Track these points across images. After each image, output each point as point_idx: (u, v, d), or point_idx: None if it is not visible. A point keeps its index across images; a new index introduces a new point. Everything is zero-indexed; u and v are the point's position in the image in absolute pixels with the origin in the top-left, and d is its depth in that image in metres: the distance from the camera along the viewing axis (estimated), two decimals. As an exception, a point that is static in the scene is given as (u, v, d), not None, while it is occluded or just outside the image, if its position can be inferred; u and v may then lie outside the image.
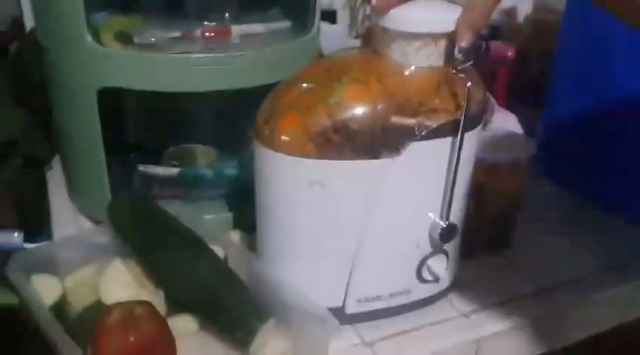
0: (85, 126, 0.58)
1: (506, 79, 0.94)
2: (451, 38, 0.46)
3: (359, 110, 0.45)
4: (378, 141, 0.46)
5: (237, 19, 0.64)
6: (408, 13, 0.45)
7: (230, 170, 0.67)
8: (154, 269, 0.52)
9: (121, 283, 0.51)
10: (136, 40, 0.56)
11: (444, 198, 0.50)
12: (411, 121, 0.46)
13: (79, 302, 0.51)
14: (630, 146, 0.71)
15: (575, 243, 0.68)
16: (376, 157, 0.46)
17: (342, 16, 0.97)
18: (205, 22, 0.60)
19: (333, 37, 0.92)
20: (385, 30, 0.47)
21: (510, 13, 1.05)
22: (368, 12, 0.99)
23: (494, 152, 0.58)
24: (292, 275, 0.51)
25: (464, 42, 0.44)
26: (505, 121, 0.77)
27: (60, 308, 0.50)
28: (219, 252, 0.55)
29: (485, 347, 0.55)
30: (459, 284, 0.58)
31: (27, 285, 0.48)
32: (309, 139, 0.45)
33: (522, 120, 0.92)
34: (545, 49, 0.97)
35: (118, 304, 0.44)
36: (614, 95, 0.71)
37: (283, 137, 0.46)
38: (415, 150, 0.46)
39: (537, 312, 0.58)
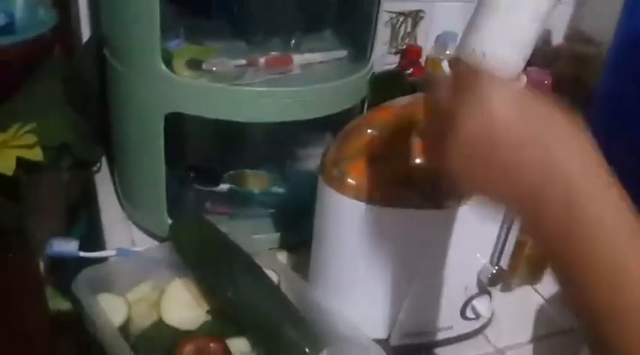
0: (149, 145, 0.60)
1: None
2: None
3: (426, 162, 0.47)
4: (442, 192, 0.48)
5: (297, 46, 0.66)
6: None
7: (277, 189, 0.70)
8: (214, 291, 0.54)
9: (182, 303, 0.54)
10: (205, 66, 0.57)
11: (496, 245, 0.52)
12: (474, 174, 0.48)
13: (140, 319, 0.53)
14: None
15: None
16: (439, 207, 0.48)
17: (382, 32, 0.98)
18: (269, 52, 0.61)
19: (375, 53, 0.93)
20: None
21: (545, 39, 1.07)
22: (409, 29, 1.00)
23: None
24: (344, 307, 0.53)
25: None
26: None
27: (124, 325, 0.53)
28: (273, 276, 0.57)
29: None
30: (494, 319, 0.61)
31: (95, 305, 0.50)
32: (377, 187, 0.47)
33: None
34: (579, 79, 0.99)
35: (193, 338, 0.47)
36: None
37: (351, 181, 0.48)
38: (475, 201, 0.49)
39: (569, 351, 0.60)
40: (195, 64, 0.57)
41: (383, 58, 0.97)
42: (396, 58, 1.01)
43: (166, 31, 0.56)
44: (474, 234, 0.51)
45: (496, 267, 0.52)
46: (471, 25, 0.40)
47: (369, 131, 0.51)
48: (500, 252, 0.52)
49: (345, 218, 0.50)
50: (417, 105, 0.52)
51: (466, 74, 0.38)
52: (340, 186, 0.49)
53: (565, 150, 0.33)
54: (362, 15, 0.66)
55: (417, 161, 0.48)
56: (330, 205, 0.51)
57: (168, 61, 0.56)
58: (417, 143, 0.48)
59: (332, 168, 0.50)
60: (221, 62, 0.58)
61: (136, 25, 0.55)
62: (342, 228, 0.51)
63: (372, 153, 0.48)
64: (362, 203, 0.48)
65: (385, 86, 0.86)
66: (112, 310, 0.51)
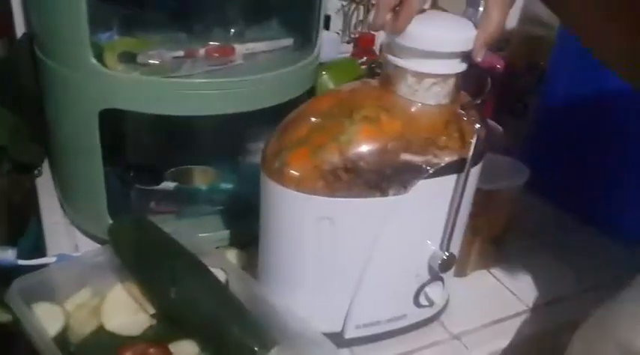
0: (85, 144, 0.57)
1: (495, 90, 0.95)
2: (457, 78, 0.47)
3: (370, 149, 0.46)
4: (387, 179, 0.46)
5: (240, 35, 0.63)
6: (420, 50, 0.46)
7: (225, 185, 0.67)
8: (156, 294, 0.52)
9: (124, 308, 0.52)
10: (139, 59, 0.55)
11: (445, 231, 0.51)
12: (420, 159, 0.47)
13: (80, 326, 0.51)
14: (620, 163, 0.73)
15: (562, 260, 0.71)
16: (385, 195, 0.47)
17: (335, 21, 0.97)
18: (210, 42, 0.59)
19: (327, 43, 0.91)
20: (396, 67, 0.47)
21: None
22: (361, 17, 0.99)
23: (490, 180, 0.60)
24: (294, 302, 0.51)
25: (479, 57, 0.45)
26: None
27: (62, 334, 0.50)
28: (220, 275, 0.55)
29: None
30: (449, 305, 0.60)
31: (29, 315, 0.47)
32: (319, 176, 0.46)
33: (510, 131, 0.94)
34: (533, 62, 0.99)
35: (131, 344, 0.44)
36: (606, 111, 0.72)
37: (293, 172, 0.47)
38: (422, 186, 0.47)
39: (527, 332, 0.60)
40: (128, 57, 0.54)
41: (336, 46, 0.95)
42: (350, 47, 0.99)
43: (97, 24, 0.53)
44: (423, 221, 0.50)
45: (446, 253, 0.51)
46: None
47: (312, 119, 0.49)
48: (450, 238, 0.51)
49: (289, 211, 0.48)
50: (360, 91, 0.51)
51: None
52: (281, 177, 0.47)
53: None
54: (306, 1, 0.64)
55: (364, 148, 0.46)
56: (273, 198, 0.49)
57: (99, 56, 0.54)
58: (361, 128, 0.46)
59: (273, 160, 0.48)
60: (157, 54, 0.56)
61: (62, 18, 0.52)
62: (286, 221, 0.49)
63: (313, 142, 0.47)
64: (304, 194, 0.46)
65: (337, 74, 0.84)
66: (48, 319, 0.49)
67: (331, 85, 0.81)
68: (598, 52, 0.53)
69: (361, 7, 0.98)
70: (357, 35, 0.99)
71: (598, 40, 0.52)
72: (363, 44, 0.97)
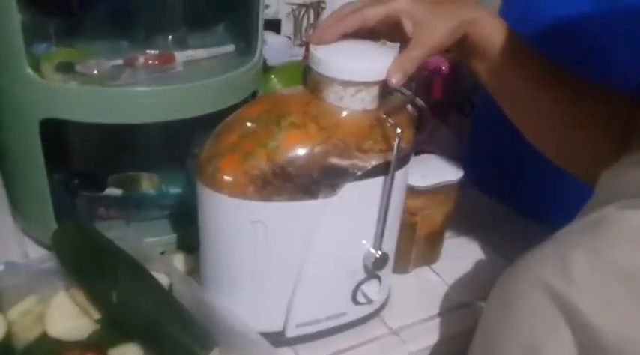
0: (28, 153, 0.58)
1: (441, 91, 0.98)
2: (383, 84, 0.49)
3: (297, 154, 0.48)
4: (315, 182, 0.48)
5: (181, 42, 0.65)
6: (343, 62, 0.48)
7: (173, 190, 0.69)
8: (99, 299, 0.53)
9: (67, 314, 0.53)
10: (78, 69, 0.56)
11: (376, 231, 0.53)
12: (346, 163, 0.49)
13: (24, 333, 0.52)
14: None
15: (502, 254, 0.73)
16: (314, 198, 0.49)
17: (286, 25, 0.98)
18: (148, 51, 0.60)
19: (278, 47, 0.93)
20: (322, 76, 0.49)
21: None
22: (312, 20, 1.01)
23: (425, 179, 0.62)
24: (235, 304, 0.53)
25: (394, 82, 0.48)
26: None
27: (5, 341, 0.51)
28: (164, 279, 0.56)
29: (415, 361, 0.60)
30: (390, 302, 0.62)
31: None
32: (250, 181, 0.48)
33: (456, 129, 0.97)
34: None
35: (70, 349, 0.46)
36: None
37: (225, 178, 0.48)
38: (350, 189, 0.50)
39: (464, 325, 0.63)
40: (66, 68, 0.55)
41: (287, 49, 0.97)
42: (302, 50, 1.01)
43: (33, 35, 0.54)
44: (354, 222, 0.52)
45: (379, 252, 0.53)
46: None
47: (245, 125, 0.51)
48: (381, 238, 0.53)
49: (223, 216, 0.50)
50: (289, 97, 0.53)
51: None
52: (214, 183, 0.48)
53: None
54: (245, 6, 0.66)
55: (291, 153, 0.48)
56: (208, 203, 0.50)
57: (37, 66, 0.54)
58: (290, 134, 0.48)
59: (206, 165, 0.49)
60: (95, 64, 0.57)
61: (-3, 30, 0.53)
62: (222, 226, 0.51)
63: (243, 147, 0.48)
64: (237, 199, 0.48)
65: (286, 78, 0.86)
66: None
67: (280, 88, 0.83)
68: (526, 126, 0.60)
69: (311, 11, 1.00)
70: (307, 39, 1.01)
71: (526, 110, 0.58)
72: (313, 47, 0.99)
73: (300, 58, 0.99)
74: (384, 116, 0.49)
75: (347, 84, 0.49)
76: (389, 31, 0.53)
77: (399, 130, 0.48)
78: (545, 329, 0.40)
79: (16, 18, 0.50)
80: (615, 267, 0.38)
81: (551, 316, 0.39)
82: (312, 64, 0.49)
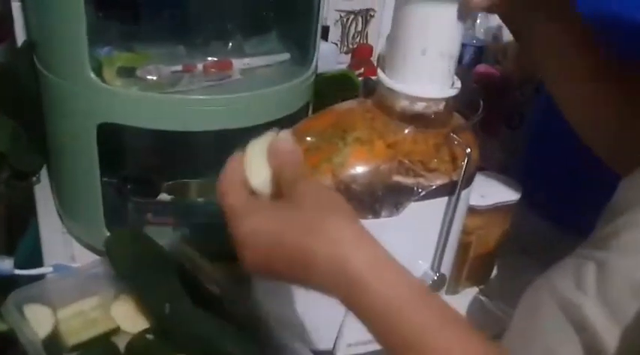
0: (83, 156, 0.58)
1: (491, 102, 0.96)
2: (451, 100, 0.48)
3: (362, 171, 0.46)
4: (378, 200, 0.47)
5: (237, 49, 0.64)
6: (413, 76, 0.47)
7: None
8: (151, 309, 0.53)
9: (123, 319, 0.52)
10: (138, 74, 0.55)
11: (436, 251, 0.52)
12: (411, 182, 0.48)
13: (73, 335, 0.52)
14: (615, 177, 0.73)
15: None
16: (377, 216, 0.47)
17: (334, 32, 0.97)
18: (205, 56, 0.60)
19: (326, 54, 0.92)
20: (390, 90, 0.48)
21: (496, 34, 1.07)
22: (359, 28, 1.00)
23: (484, 198, 0.61)
24: (287, 320, 0.52)
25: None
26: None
27: (53, 341, 0.51)
28: (215, 290, 0.56)
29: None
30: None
31: (19, 317, 0.48)
32: (313, 197, 0.46)
33: (506, 142, 0.95)
34: (529, 74, 1.00)
35: None
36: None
37: (287, 192, 0.47)
38: (413, 208, 0.48)
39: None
40: (126, 72, 0.55)
41: (334, 56, 0.96)
42: (348, 58, 1.00)
43: (96, 38, 0.54)
44: (414, 242, 0.51)
45: (437, 274, 0.52)
46: None
47: (308, 139, 0.50)
48: (440, 259, 0.52)
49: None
50: (354, 112, 0.51)
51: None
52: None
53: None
54: (303, 16, 0.65)
55: (356, 170, 0.47)
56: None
57: (98, 70, 0.54)
58: (356, 150, 0.47)
59: (268, 179, 0.48)
60: (155, 69, 0.57)
61: (62, 32, 0.53)
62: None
63: (308, 162, 0.47)
64: (298, 214, 0.47)
65: (333, 86, 0.85)
66: (38, 321, 0.50)
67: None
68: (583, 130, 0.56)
69: (359, 19, 0.99)
70: (354, 46, 1.00)
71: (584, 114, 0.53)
72: (359, 55, 0.98)
73: (346, 66, 0.98)
74: (453, 135, 0.48)
75: (414, 99, 0.47)
76: None
77: (468, 150, 0.46)
78: (559, 339, 0.40)
79: (82, 20, 0.50)
80: (627, 280, 0.38)
81: (564, 327, 0.40)
82: (381, 77, 0.48)
